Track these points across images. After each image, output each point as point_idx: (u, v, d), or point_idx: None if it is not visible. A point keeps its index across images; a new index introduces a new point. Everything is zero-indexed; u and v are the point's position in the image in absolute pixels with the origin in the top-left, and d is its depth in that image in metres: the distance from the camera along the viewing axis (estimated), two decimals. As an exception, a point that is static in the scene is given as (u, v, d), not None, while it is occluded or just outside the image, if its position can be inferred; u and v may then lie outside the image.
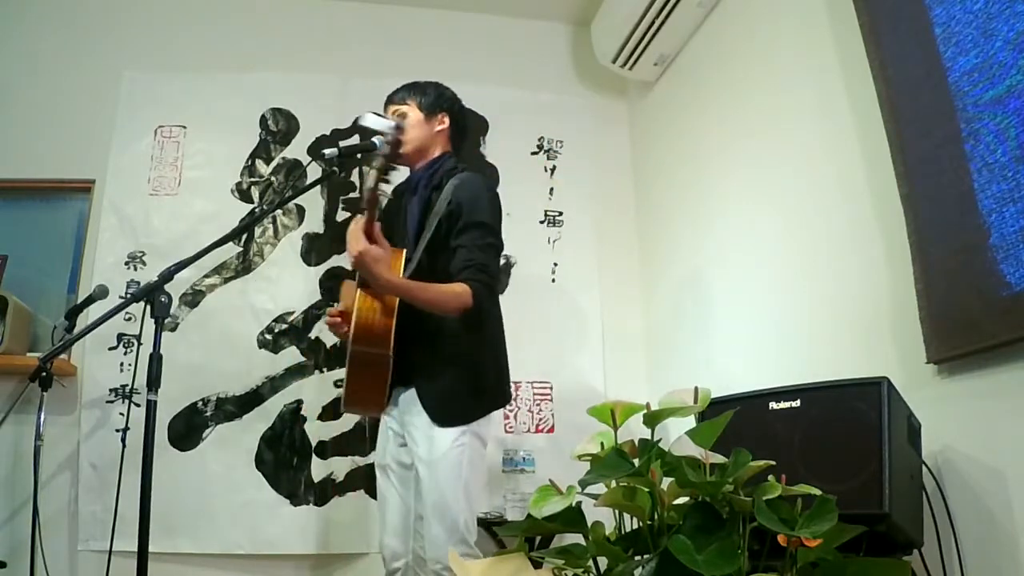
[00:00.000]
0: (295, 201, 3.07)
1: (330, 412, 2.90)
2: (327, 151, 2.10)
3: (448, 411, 2.00)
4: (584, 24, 3.51)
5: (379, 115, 2.06)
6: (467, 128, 2.35)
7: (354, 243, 1.89)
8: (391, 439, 2.12)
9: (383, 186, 1.95)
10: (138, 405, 2.70)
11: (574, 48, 3.60)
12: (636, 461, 1.39)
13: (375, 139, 2.19)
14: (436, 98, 2.22)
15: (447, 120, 2.23)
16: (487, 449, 2.10)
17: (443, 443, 1.96)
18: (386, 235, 2.07)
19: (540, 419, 3.08)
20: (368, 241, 1.90)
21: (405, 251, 2.07)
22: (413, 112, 2.19)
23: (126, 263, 2.92)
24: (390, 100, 2.25)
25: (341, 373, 2.64)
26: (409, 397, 2.05)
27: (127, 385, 2.78)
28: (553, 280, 3.25)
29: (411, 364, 2.01)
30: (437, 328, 2.01)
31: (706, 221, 2.86)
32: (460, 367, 2.04)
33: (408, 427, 2.04)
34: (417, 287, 1.95)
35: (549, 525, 1.46)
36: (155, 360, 1.85)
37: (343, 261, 3.04)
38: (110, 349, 2.84)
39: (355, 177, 3.19)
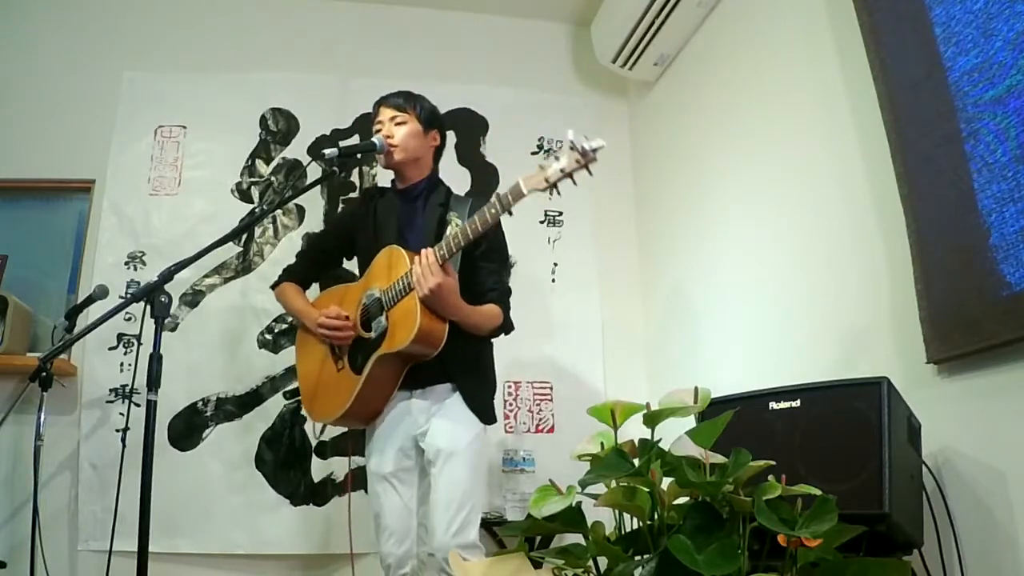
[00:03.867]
0: (295, 201, 3.08)
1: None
2: (327, 151, 2.11)
3: (486, 408, 2.14)
4: (584, 24, 3.51)
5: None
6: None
7: (431, 276, 1.94)
8: (394, 448, 2.12)
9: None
10: (138, 405, 2.70)
11: (574, 48, 3.60)
12: (636, 461, 1.39)
13: (375, 139, 2.20)
14: (431, 114, 2.29)
15: (439, 138, 2.32)
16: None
17: (466, 437, 2.06)
18: (353, 236, 2.32)
19: (540, 419, 3.08)
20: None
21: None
22: (413, 123, 2.22)
23: (126, 263, 2.92)
24: (385, 103, 2.25)
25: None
26: (439, 392, 2.12)
27: (127, 385, 2.78)
28: (553, 280, 3.25)
29: (444, 363, 2.08)
30: (468, 336, 2.09)
31: (706, 221, 2.86)
32: (484, 372, 2.21)
33: (432, 420, 2.09)
34: (476, 312, 2.07)
35: (549, 525, 1.46)
36: (155, 360, 1.85)
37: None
38: (110, 349, 2.84)
39: (355, 177, 3.19)
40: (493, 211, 1.90)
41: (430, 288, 1.93)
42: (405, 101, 2.24)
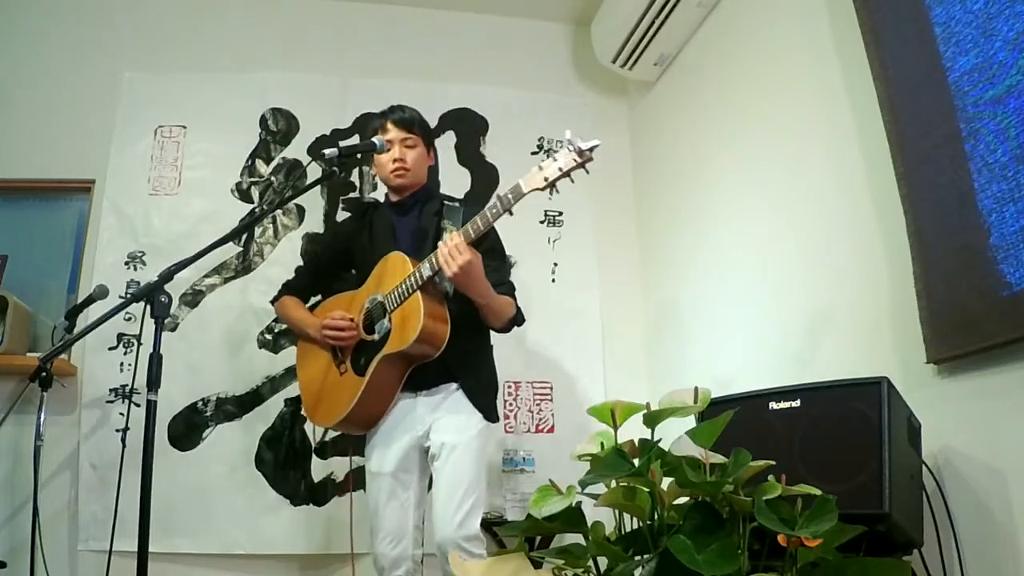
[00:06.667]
0: (295, 201, 3.08)
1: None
2: (327, 151, 2.11)
3: (490, 405, 2.18)
4: (584, 24, 3.51)
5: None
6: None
7: (461, 255, 1.94)
8: (398, 446, 2.14)
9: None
10: (138, 405, 2.70)
11: (574, 48, 3.60)
12: (636, 461, 1.39)
13: (375, 139, 2.21)
14: (429, 135, 2.39)
15: (434, 156, 2.41)
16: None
17: (471, 430, 2.10)
18: (350, 249, 2.38)
19: (540, 419, 3.08)
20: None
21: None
22: (420, 147, 2.30)
23: (126, 263, 2.92)
24: (395, 122, 2.27)
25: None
26: (444, 391, 2.15)
27: (127, 385, 2.78)
28: (553, 280, 3.25)
29: (447, 363, 2.10)
30: (470, 336, 2.13)
31: (706, 221, 2.86)
32: (487, 371, 2.25)
33: (437, 417, 2.12)
34: (498, 296, 2.10)
35: (549, 525, 1.46)
36: (155, 360, 1.85)
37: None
38: (110, 349, 2.84)
39: (355, 177, 3.19)
40: (495, 211, 1.95)
41: (460, 266, 1.94)
42: (412, 122, 2.29)
